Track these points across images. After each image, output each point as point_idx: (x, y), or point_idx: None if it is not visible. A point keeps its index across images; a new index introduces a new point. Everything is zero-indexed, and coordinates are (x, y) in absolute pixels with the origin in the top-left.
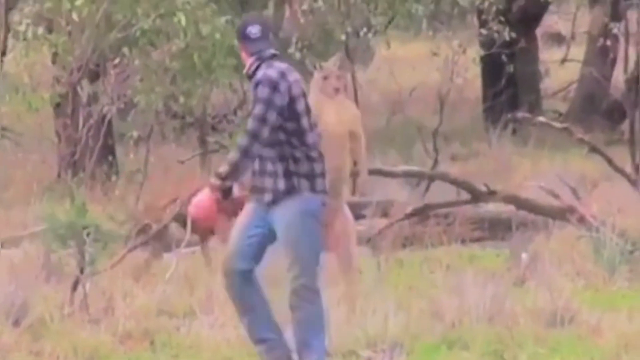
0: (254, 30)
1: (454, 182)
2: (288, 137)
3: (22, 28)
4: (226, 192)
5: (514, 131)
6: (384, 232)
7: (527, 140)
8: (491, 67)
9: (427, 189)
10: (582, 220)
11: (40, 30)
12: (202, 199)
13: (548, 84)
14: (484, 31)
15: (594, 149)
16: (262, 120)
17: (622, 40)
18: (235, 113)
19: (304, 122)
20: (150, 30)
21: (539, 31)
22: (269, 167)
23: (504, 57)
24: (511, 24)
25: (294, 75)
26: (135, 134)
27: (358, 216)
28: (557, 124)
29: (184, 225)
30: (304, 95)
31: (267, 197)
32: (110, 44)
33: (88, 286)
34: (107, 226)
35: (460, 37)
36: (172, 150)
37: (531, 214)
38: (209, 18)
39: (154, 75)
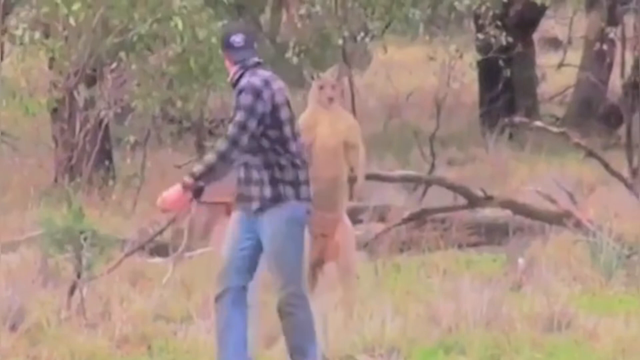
0: (237, 39)
1: (451, 187)
2: (272, 145)
3: (19, 33)
4: (197, 192)
5: (511, 136)
6: (381, 236)
7: (524, 145)
8: (488, 72)
9: (424, 193)
10: (578, 224)
11: (37, 35)
12: (171, 193)
13: (545, 89)
14: (480, 36)
15: (590, 154)
16: (243, 127)
17: (618, 44)
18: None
19: (287, 130)
20: (147, 34)
21: (535, 36)
22: (255, 175)
23: (500, 62)
24: (508, 29)
25: (277, 83)
26: (132, 138)
27: (355, 221)
28: (554, 129)
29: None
30: (288, 103)
31: (255, 205)
32: (107, 49)
33: (85, 291)
34: (104, 231)
35: (457, 42)
36: (169, 155)
37: (528, 218)
38: (206, 22)
39: (150, 79)
